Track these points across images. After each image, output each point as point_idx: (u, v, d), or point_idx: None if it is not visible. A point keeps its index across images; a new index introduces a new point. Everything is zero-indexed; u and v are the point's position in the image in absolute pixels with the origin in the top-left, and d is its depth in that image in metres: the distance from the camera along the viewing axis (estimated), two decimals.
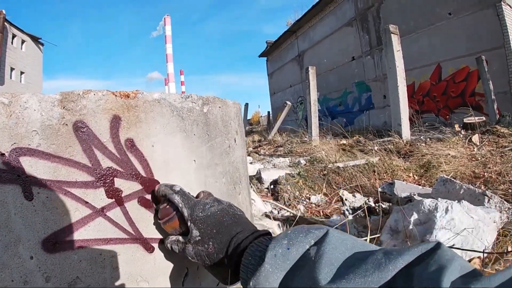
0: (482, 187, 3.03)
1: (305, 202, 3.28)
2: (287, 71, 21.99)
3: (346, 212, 2.42)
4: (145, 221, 0.88)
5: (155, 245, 0.89)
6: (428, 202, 1.70)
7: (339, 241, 0.52)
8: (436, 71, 10.71)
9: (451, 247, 1.41)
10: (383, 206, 2.30)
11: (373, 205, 2.45)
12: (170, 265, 0.92)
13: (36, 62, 27.56)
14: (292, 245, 0.55)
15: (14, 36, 23.97)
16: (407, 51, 8.88)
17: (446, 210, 1.61)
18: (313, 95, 9.01)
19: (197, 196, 0.86)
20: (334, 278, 0.46)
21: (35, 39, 27.33)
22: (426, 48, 10.84)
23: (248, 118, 32.40)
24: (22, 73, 24.78)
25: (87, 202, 0.80)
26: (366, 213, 1.93)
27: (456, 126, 6.47)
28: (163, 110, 0.92)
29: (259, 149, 9.86)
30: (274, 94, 24.58)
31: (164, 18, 20.15)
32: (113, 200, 0.83)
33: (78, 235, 0.79)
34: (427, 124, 6.52)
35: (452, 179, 2.40)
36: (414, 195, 2.24)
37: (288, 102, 12.49)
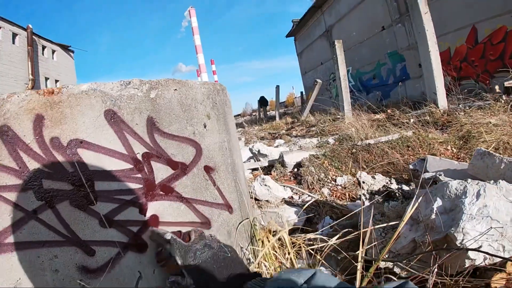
0: None
1: (330, 185, 3.11)
2: (316, 49, 21.34)
3: (363, 197, 2.15)
4: (80, 223, 0.85)
5: (96, 248, 0.86)
6: (454, 185, 1.40)
7: (326, 281, 0.61)
8: (472, 34, 9.79)
9: (478, 250, 1.18)
10: (406, 188, 2.04)
11: (395, 187, 2.20)
12: (115, 268, 0.90)
13: (69, 69, 28.78)
14: (286, 284, 0.64)
15: (44, 47, 25.07)
16: (438, 14, 8.21)
17: (478, 195, 1.31)
18: (342, 69, 8.63)
19: (189, 236, 0.89)
20: None
21: (65, 47, 28.41)
22: (457, 9, 9.86)
23: (282, 100, 31.97)
24: (56, 81, 25.88)
25: (18, 205, 0.79)
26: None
27: (497, 87, 5.93)
28: (92, 102, 0.84)
29: (291, 131, 9.73)
30: (306, 74, 23.97)
31: (189, 10, 20.19)
32: (43, 202, 0.81)
33: (14, 238, 0.79)
34: (466, 91, 6.01)
35: (491, 151, 2.11)
36: (440, 175, 1.85)
37: (318, 80, 12.09)
